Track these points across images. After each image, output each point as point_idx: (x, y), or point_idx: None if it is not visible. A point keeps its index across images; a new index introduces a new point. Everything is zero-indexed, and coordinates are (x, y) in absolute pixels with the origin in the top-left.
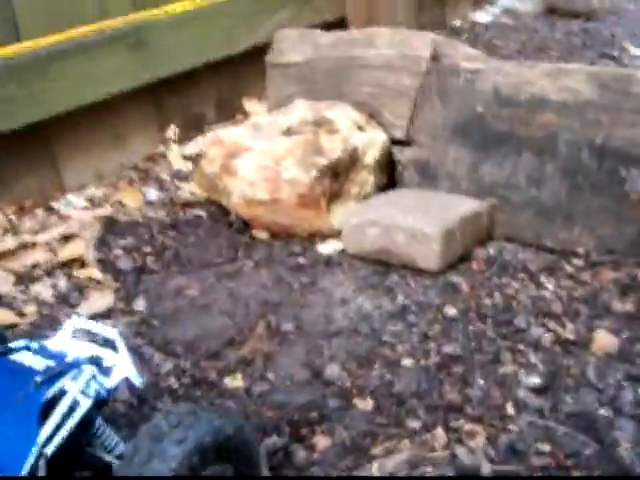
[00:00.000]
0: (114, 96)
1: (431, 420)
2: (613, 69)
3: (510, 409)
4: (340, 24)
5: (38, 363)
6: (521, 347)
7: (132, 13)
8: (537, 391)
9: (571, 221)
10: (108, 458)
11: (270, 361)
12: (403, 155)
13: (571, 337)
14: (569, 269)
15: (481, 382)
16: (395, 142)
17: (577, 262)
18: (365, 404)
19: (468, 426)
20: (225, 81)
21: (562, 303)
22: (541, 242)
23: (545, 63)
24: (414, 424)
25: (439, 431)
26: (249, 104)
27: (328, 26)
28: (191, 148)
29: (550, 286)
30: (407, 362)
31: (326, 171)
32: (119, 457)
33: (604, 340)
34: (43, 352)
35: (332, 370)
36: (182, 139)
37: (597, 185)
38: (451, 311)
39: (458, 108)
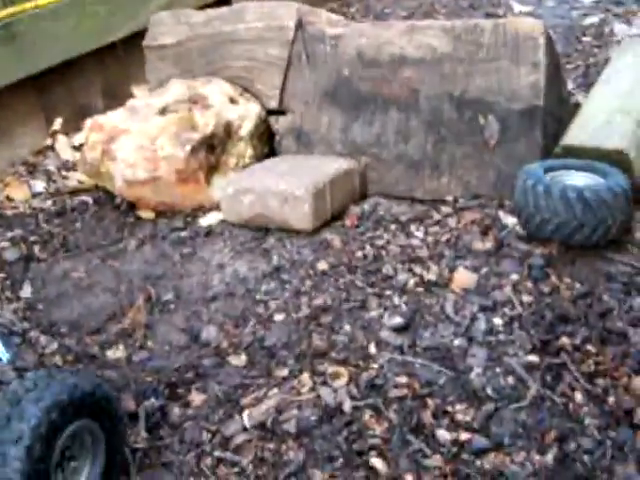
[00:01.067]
0: None
1: (298, 367)
2: (464, 22)
3: (372, 349)
4: (227, 2)
5: None
6: (387, 292)
7: (1, 9)
8: (398, 330)
9: (438, 171)
10: None
11: (150, 331)
12: (279, 124)
13: (433, 278)
14: (437, 217)
15: (347, 328)
16: (271, 112)
17: (445, 209)
18: (238, 360)
19: (332, 369)
20: (111, 69)
21: (428, 248)
22: (413, 194)
23: (401, 22)
24: (282, 372)
25: (305, 376)
26: (138, 90)
27: (215, 6)
28: (80, 138)
29: (419, 234)
30: (279, 317)
31: (200, 145)
32: None
33: (463, 277)
34: None
35: (209, 332)
36: (72, 130)
37: (459, 135)
38: (323, 266)
39: (326, 73)
